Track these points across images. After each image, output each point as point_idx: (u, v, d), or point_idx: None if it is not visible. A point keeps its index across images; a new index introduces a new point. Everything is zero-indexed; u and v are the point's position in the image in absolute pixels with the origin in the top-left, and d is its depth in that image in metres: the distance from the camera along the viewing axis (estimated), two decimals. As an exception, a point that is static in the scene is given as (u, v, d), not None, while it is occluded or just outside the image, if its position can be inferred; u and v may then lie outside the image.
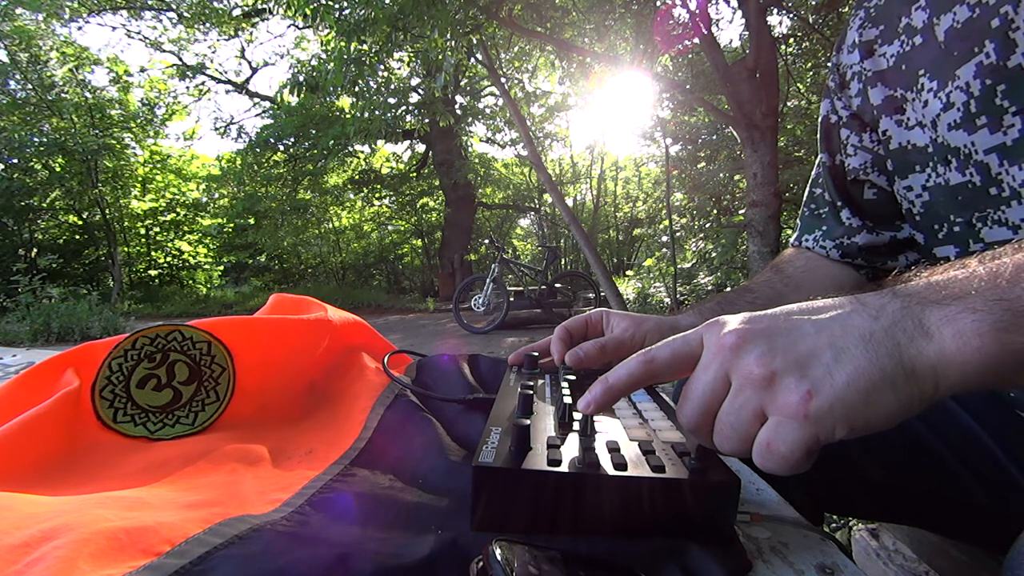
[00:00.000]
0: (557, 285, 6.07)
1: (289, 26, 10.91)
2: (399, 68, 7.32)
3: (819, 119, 0.60)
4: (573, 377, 0.46)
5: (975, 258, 0.28)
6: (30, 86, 9.05)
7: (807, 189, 0.63)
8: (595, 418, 0.36)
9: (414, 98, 8.54)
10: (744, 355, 0.27)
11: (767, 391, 0.27)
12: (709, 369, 0.29)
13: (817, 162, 0.61)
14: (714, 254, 5.98)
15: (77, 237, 10.86)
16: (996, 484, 0.43)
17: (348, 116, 8.05)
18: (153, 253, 11.83)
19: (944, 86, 0.42)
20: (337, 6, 4.00)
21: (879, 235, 0.55)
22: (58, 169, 9.36)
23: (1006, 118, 0.39)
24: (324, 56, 5.32)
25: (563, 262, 10.62)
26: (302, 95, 5.47)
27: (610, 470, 0.28)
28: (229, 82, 11.72)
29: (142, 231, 11.52)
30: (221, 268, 13.06)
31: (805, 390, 0.25)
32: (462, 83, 9.67)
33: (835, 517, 1.12)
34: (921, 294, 0.27)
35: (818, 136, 0.60)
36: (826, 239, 0.58)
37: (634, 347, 0.48)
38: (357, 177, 11.75)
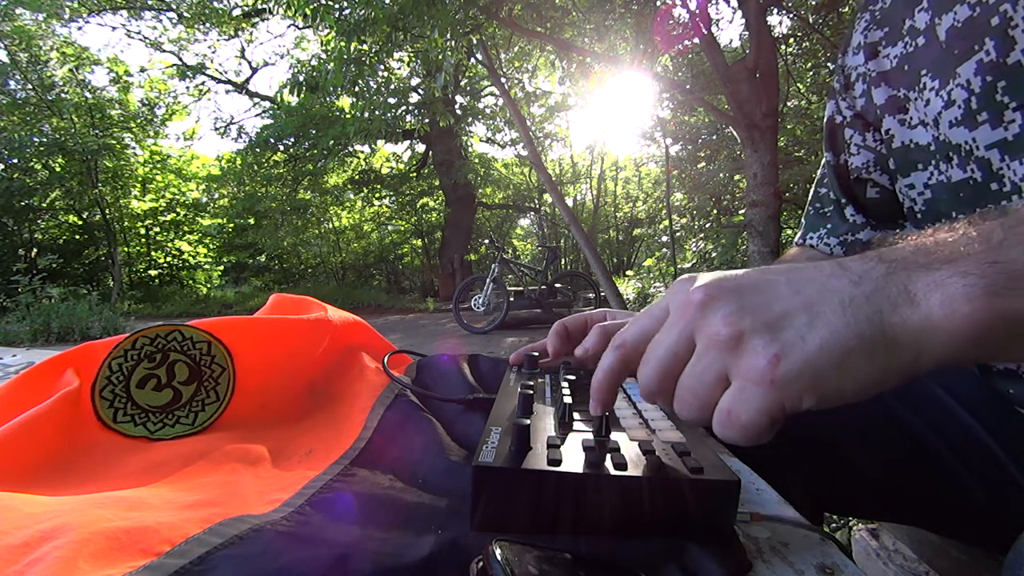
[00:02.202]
0: (557, 285, 6.07)
1: (289, 26, 10.92)
2: (399, 68, 7.32)
3: (824, 120, 0.60)
4: (573, 377, 0.46)
5: (964, 221, 0.26)
6: (30, 86, 9.05)
7: (812, 189, 0.63)
8: (582, 419, 0.36)
9: (414, 98, 8.55)
10: (711, 313, 0.26)
11: (733, 353, 0.25)
12: (673, 328, 0.27)
13: (823, 162, 0.61)
14: (714, 254, 5.98)
15: (77, 237, 10.86)
16: (996, 483, 0.43)
17: (348, 116, 8.05)
18: (153, 253, 11.83)
19: (945, 84, 0.43)
20: (337, 6, 4.00)
21: (882, 232, 0.55)
22: (58, 169, 9.36)
23: (1006, 114, 0.39)
24: (324, 56, 5.33)
25: (563, 262, 10.62)
26: (302, 95, 5.47)
27: (610, 470, 0.28)
28: (229, 82, 11.73)
29: (142, 231, 11.52)
30: (221, 268, 13.06)
31: (773, 353, 0.24)
32: (462, 83, 9.67)
33: (835, 517, 1.12)
34: (908, 259, 0.25)
35: (823, 136, 0.60)
36: (830, 236, 0.59)
37: None
38: (357, 177, 11.75)
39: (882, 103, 0.50)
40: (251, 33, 10.96)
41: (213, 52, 14.04)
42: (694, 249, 6.89)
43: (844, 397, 0.24)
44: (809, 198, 0.64)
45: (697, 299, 0.26)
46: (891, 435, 0.47)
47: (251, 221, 11.32)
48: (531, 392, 0.37)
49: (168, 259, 12.12)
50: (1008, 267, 0.22)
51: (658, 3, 4.47)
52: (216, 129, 11.81)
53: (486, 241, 10.64)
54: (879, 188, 0.55)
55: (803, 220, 0.64)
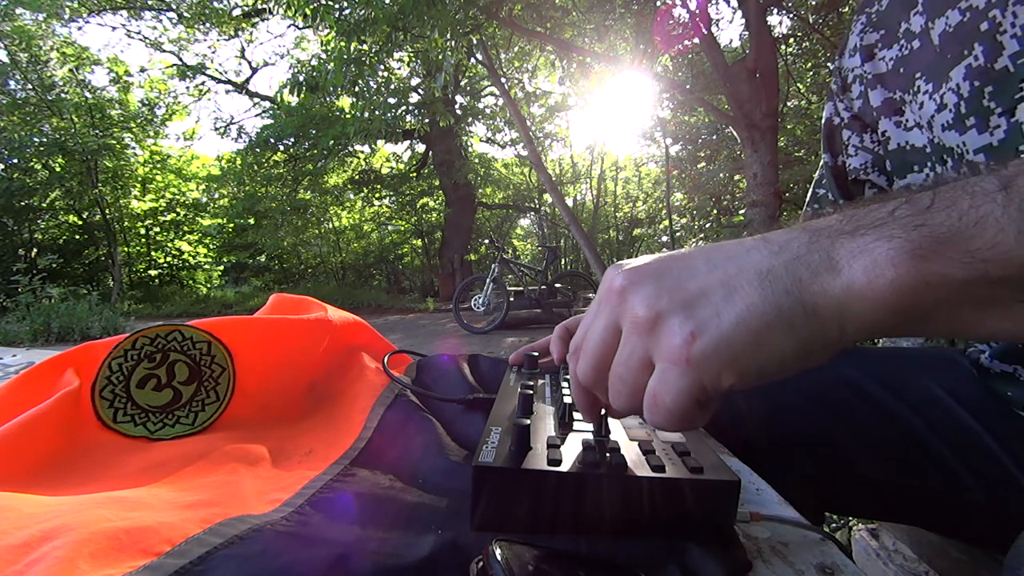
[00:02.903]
0: (557, 285, 6.07)
1: (289, 26, 10.92)
2: (399, 68, 7.32)
3: (822, 121, 0.60)
4: None
5: (899, 191, 0.25)
6: (30, 86, 9.06)
7: (810, 190, 0.63)
8: (582, 419, 0.36)
9: (414, 98, 8.55)
10: (631, 298, 0.25)
11: (652, 335, 0.24)
12: (600, 318, 0.27)
13: (821, 163, 0.61)
14: (714, 254, 5.97)
15: (77, 237, 10.86)
16: (996, 483, 0.43)
17: (348, 116, 8.05)
18: (153, 253, 11.83)
19: (938, 88, 0.43)
20: (337, 6, 4.00)
21: None
22: (58, 169, 9.36)
23: (992, 119, 0.39)
24: (324, 56, 5.33)
25: (563, 262, 10.62)
26: (302, 95, 5.47)
27: (610, 470, 0.28)
28: (229, 82, 11.73)
29: (142, 231, 11.52)
30: (221, 268, 13.06)
31: (689, 331, 0.23)
32: (462, 83, 9.67)
33: (835, 517, 1.12)
34: (833, 226, 0.24)
35: (821, 138, 0.60)
36: None
37: None
38: (357, 177, 11.75)
39: (878, 105, 0.51)
40: (251, 33, 10.96)
41: (213, 52, 14.05)
42: (694, 249, 6.88)
43: (767, 374, 0.23)
44: (807, 199, 0.64)
45: (618, 285, 0.26)
46: (891, 435, 0.47)
47: (251, 221, 11.32)
48: (531, 392, 0.37)
49: (168, 259, 12.12)
50: (934, 230, 0.21)
51: (658, 3, 4.47)
52: (216, 129, 11.82)
53: (486, 241, 10.64)
54: (877, 189, 0.55)
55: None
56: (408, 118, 9.00)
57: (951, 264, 0.20)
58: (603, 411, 0.32)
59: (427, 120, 9.21)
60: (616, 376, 0.26)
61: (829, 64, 5.39)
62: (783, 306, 0.23)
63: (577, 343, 0.30)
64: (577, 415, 0.37)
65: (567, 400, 0.37)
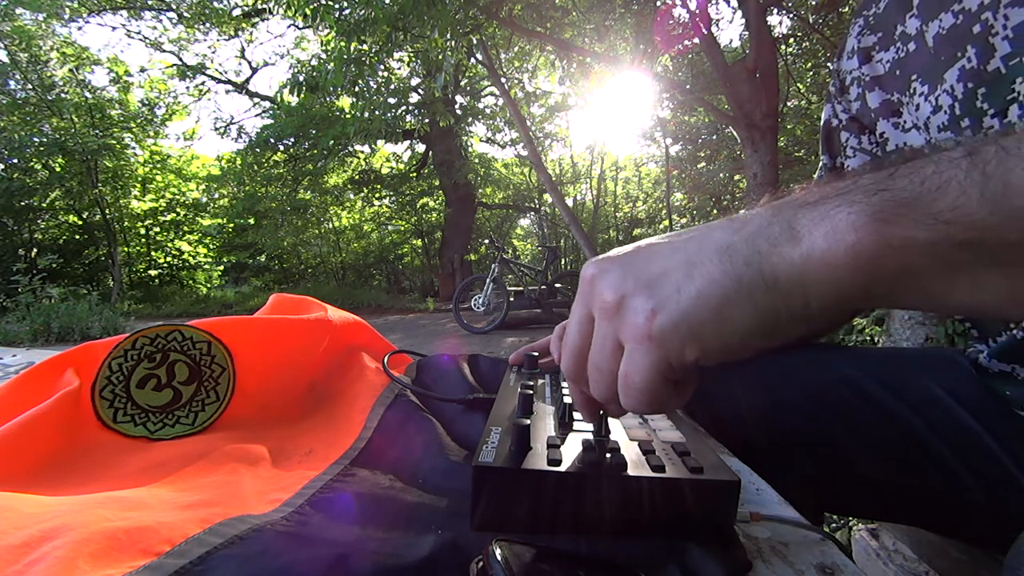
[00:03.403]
0: (557, 285, 6.06)
1: (289, 26, 10.91)
2: (399, 68, 7.32)
3: (821, 123, 0.60)
4: None
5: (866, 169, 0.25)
6: (30, 86, 9.05)
7: None
8: (582, 419, 0.37)
9: (414, 98, 8.54)
10: (599, 285, 0.26)
11: (618, 318, 0.25)
12: (576, 309, 0.28)
13: (819, 165, 0.61)
14: (714, 254, 5.97)
15: (77, 237, 10.85)
16: (996, 483, 0.43)
17: (348, 116, 8.05)
18: (153, 253, 11.82)
19: (933, 90, 0.43)
20: (337, 6, 4.00)
21: None
22: (58, 169, 9.35)
23: (985, 120, 0.39)
24: (324, 56, 5.33)
25: (563, 262, 10.61)
26: (302, 95, 5.47)
27: (610, 470, 0.28)
28: (229, 82, 11.72)
29: (142, 231, 11.52)
30: (221, 268, 13.05)
31: (650, 308, 0.24)
32: (462, 83, 9.66)
33: (835, 517, 1.12)
34: (796, 199, 0.24)
35: (820, 139, 0.60)
36: None
37: None
38: (357, 177, 11.75)
39: (876, 107, 0.51)
40: (251, 33, 10.96)
41: (213, 52, 14.04)
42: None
43: (730, 347, 0.24)
44: None
45: (588, 275, 0.27)
46: (891, 435, 0.47)
47: (251, 221, 11.31)
48: (531, 392, 0.37)
49: (168, 259, 12.11)
50: (896, 194, 0.21)
51: (658, 3, 4.47)
52: (216, 129, 11.81)
53: (486, 241, 10.64)
54: None
55: None
56: (408, 118, 9.00)
57: (913, 226, 0.20)
58: (602, 411, 0.32)
59: (427, 120, 9.20)
60: (593, 366, 0.27)
61: (829, 64, 5.39)
62: (743, 278, 0.23)
63: (570, 346, 0.30)
64: (577, 415, 0.37)
65: (567, 400, 0.37)
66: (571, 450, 0.31)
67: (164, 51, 10.86)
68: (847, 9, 4.48)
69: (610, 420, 0.37)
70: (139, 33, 10.55)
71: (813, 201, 0.23)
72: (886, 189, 0.21)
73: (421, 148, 11.37)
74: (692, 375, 0.25)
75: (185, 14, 9.93)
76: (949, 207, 0.20)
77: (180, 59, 11.07)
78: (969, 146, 0.21)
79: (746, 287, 0.22)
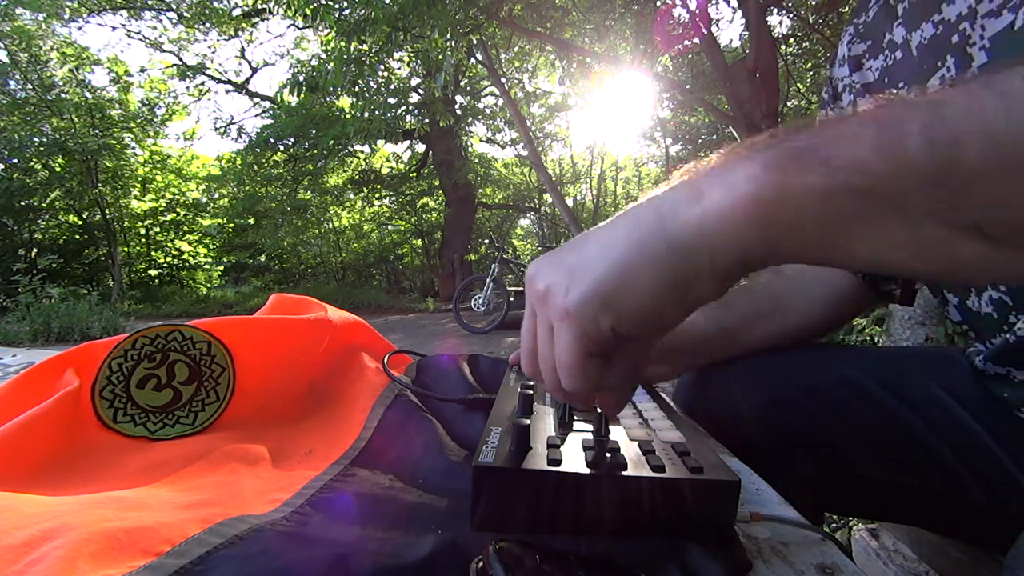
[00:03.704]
0: (557, 285, 6.06)
1: (289, 26, 10.92)
2: (399, 68, 7.32)
3: None
4: None
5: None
6: (30, 86, 9.05)
7: None
8: (581, 419, 0.37)
9: (414, 98, 8.54)
10: (534, 280, 0.27)
11: (546, 305, 0.26)
12: (526, 310, 0.29)
13: None
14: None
15: (77, 237, 10.85)
16: (995, 483, 0.43)
17: (348, 116, 8.04)
18: (153, 253, 11.82)
19: None
20: (337, 6, 4.00)
21: None
22: (58, 169, 9.35)
23: None
24: (324, 56, 5.33)
25: (563, 262, 10.59)
26: (302, 95, 5.47)
27: (610, 470, 0.28)
28: (229, 82, 11.72)
29: (142, 231, 11.51)
30: (221, 268, 13.05)
31: (565, 287, 0.25)
32: (462, 83, 9.66)
33: (835, 517, 1.12)
34: (707, 165, 0.24)
35: None
36: None
37: None
38: (357, 177, 11.75)
39: None
40: (251, 33, 10.96)
41: (213, 52, 14.04)
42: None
43: (644, 313, 0.24)
44: None
45: (528, 274, 0.28)
46: (891, 435, 0.47)
47: (251, 221, 11.31)
48: (531, 392, 0.37)
49: (168, 259, 12.11)
50: (793, 144, 0.21)
51: (658, 3, 4.47)
52: (216, 129, 11.81)
53: (486, 241, 10.64)
54: None
55: None
56: (408, 118, 9.00)
57: (808, 174, 0.21)
58: (599, 409, 0.32)
59: (427, 120, 9.20)
60: (542, 358, 0.28)
61: (828, 66, 5.39)
62: (645, 243, 0.24)
63: (526, 346, 0.31)
64: (577, 415, 0.37)
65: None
66: (571, 450, 0.31)
67: (164, 51, 10.86)
68: (847, 9, 4.48)
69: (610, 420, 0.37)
70: (139, 33, 10.56)
71: (721, 163, 0.24)
72: (785, 142, 0.22)
73: (421, 148, 11.37)
74: (619, 347, 0.26)
75: (185, 14, 9.93)
76: (844, 155, 0.20)
77: (180, 59, 11.08)
78: (878, 100, 0.21)
79: (649, 251, 0.23)
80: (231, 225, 12.01)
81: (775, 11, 4.56)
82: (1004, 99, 0.18)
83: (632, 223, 0.25)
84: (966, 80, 0.20)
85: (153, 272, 11.85)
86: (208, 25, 10.16)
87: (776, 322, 0.55)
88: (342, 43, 4.16)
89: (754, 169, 0.21)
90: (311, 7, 3.92)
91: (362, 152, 11.21)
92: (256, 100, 11.75)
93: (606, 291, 0.24)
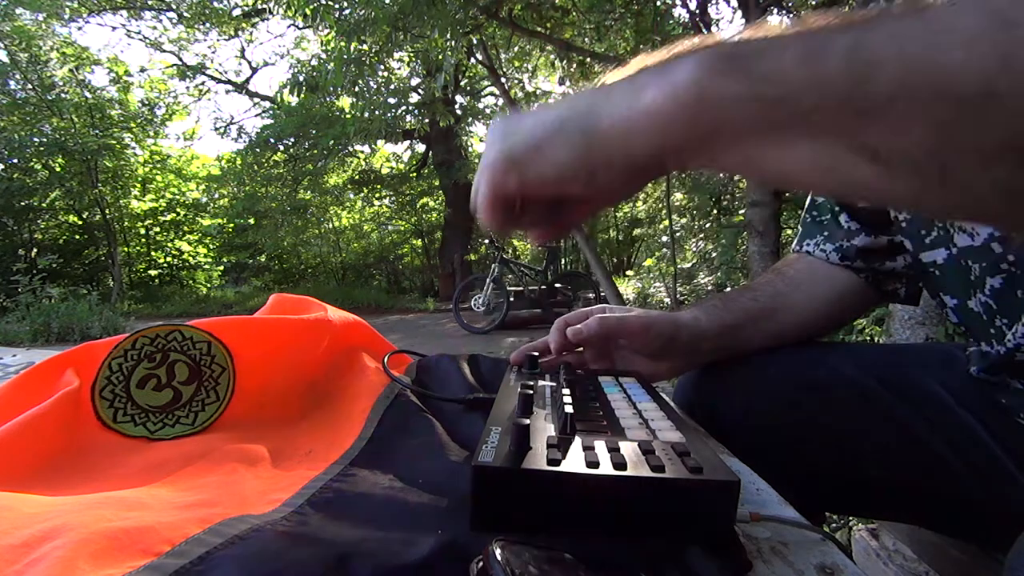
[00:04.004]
0: (557, 285, 6.06)
1: (289, 26, 10.89)
2: (399, 68, 7.32)
3: None
4: (573, 378, 0.46)
5: None
6: (30, 86, 9.04)
7: (808, 197, 0.63)
8: (581, 419, 0.37)
9: (414, 98, 8.53)
10: (487, 133, 0.32)
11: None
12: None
13: None
14: (714, 254, 5.98)
15: (77, 237, 10.84)
16: (995, 482, 0.43)
17: (348, 116, 8.04)
18: (153, 253, 11.81)
19: None
20: (337, 6, 4.00)
21: (876, 238, 0.55)
22: (58, 169, 9.34)
23: None
24: (324, 56, 5.32)
25: (563, 262, 10.61)
26: (302, 95, 5.47)
27: (610, 470, 0.28)
28: (229, 82, 11.72)
29: (142, 231, 11.50)
30: (221, 268, 13.04)
31: (495, 145, 0.29)
32: (462, 83, 9.66)
33: (835, 517, 1.12)
34: (655, 58, 0.26)
35: None
36: (826, 243, 0.59)
37: (633, 327, 0.49)
38: (357, 177, 11.74)
39: None
40: (251, 33, 10.95)
41: (213, 52, 14.06)
42: (694, 249, 6.88)
43: (546, 180, 0.27)
44: (806, 206, 0.64)
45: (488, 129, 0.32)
46: (891, 433, 0.47)
47: (251, 221, 11.30)
48: (531, 392, 0.37)
49: (168, 259, 12.10)
50: (722, 51, 0.22)
51: (658, 3, 4.46)
52: (216, 129, 11.81)
53: (486, 241, 10.63)
54: None
55: (800, 227, 0.64)
56: (408, 118, 8.99)
57: (729, 79, 0.22)
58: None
59: (427, 120, 9.20)
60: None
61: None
62: (565, 121, 0.26)
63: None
64: (578, 416, 0.37)
65: (567, 401, 0.37)
66: (571, 450, 0.31)
67: (164, 51, 10.85)
68: (847, 9, 4.48)
69: (608, 420, 0.37)
70: (139, 33, 10.54)
71: (661, 62, 0.25)
72: (719, 46, 0.23)
73: (421, 148, 11.36)
74: (528, 206, 0.30)
75: (185, 14, 9.91)
76: (764, 65, 0.21)
77: (180, 59, 11.07)
78: (816, 18, 0.22)
79: (567, 128, 0.26)
80: (231, 225, 12.00)
81: (775, 11, 4.56)
82: (928, 29, 0.19)
83: (569, 104, 0.27)
84: (909, 4, 0.20)
85: (153, 272, 11.84)
86: (208, 25, 10.15)
87: (778, 321, 0.55)
88: (342, 43, 4.16)
89: (684, 72, 0.22)
90: (311, 7, 3.91)
91: (362, 152, 11.20)
92: (256, 100, 11.75)
93: (519, 153, 0.27)
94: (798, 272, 0.59)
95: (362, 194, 12.09)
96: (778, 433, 0.50)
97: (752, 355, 0.54)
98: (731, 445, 0.46)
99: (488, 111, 10.50)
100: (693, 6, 3.49)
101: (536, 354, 0.51)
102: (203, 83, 11.37)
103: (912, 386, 0.48)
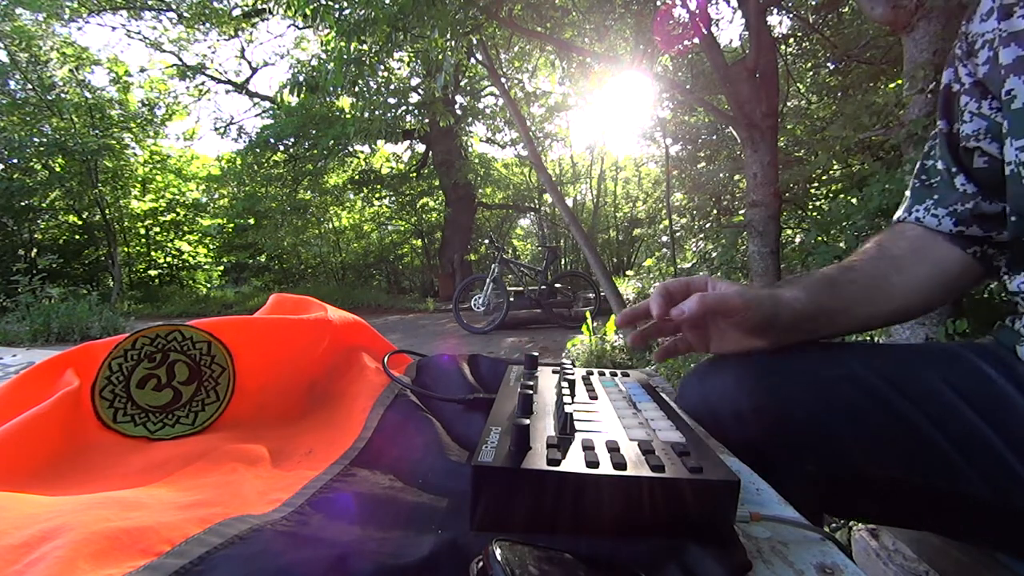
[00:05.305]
0: (557, 285, 6.06)
1: (289, 26, 10.91)
2: (399, 68, 7.33)
3: (940, 87, 0.59)
4: (573, 378, 0.46)
5: None
6: (30, 86, 9.04)
7: (917, 164, 0.62)
8: (581, 419, 0.37)
9: (414, 98, 8.55)
10: None
11: None
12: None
13: (932, 134, 0.60)
14: (714, 254, 5.97)
15: (77, 237, 10.85)
16: (1000, 479, 0.43)
17: (348, 116, 8.05)
18: (153, 253, 11.82)
19: None
20: (337, 6, 4.00)
21: (992, 204, 0.53)
22: (58, 169, 9.34)
23: None
24: (324, 56, 5.32)
25: (563, 262, 10.61)
26: (302, 95, 5.46)
27: (610, 470, 0.28)
28: (229, 82, 11.71)
29: (142, 231, 11.51)
30: (221, 268, 13.05)
31: None
32: (462, 83, 9.66)
33: (835, 517, 1.12)
34: None
35: (938, 105, 0.59)
36: (938, 207, 0.57)
37: (734, 305, 0.48)
38: (357, 177, 11.74)
39: (1009, 63, 0.49)
40: (251, 33, 10.94)
41: (213, 52, 14.07)
42: (694, 249, 6.88)
43: None
44: (914, 171, 0.62)
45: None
46: (895, 432, 0.47)
47: (251, 221, 11.31)
48: (531, 392, 0.37)
49: (168, 259, 12.11)
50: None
51: (658, 3, 4.46)
52: (216, 129, 11.82)
53: (486, 241, 10.62)
54: (988, 157, 0.53)
55: (907, 193, 0.62)
56: (408, 118, 9.00)
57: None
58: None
59: (427, 120, 9.20)
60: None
61: (829, 64, 5.38)
62: None
63: None
64: (578, 416, 0.37)
65: (567, 401, 0.37)
66: (571, 450, 0.31)
67: (164, 51, 10.85)
68: (847, 9, 4.48)
69: (608, 420, 0.37)
70: (139, 33, 10.54)
71: None
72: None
73: (421, 148, 11.37)
74: None
75: (185, 14, 9.92)
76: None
77: (180, 59, 11.07)
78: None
79: None
80: (231, 225, 12.01)
81: (775, 11, 4.56)
82: None
83: None
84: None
85: (153, 272, 11.85)
86: (208, 25, 10.15)
87: (878, 306, 0.54)
88: (342, 43, 4.16)
89: None
90: (311, 7, 3.91)
91: (362, 152, 11.21)
92: (256, 100, 11.75)
93: None
94: (902, 250, 0.57)
95: (362, 194, 12.09)
96: (780, 432, 0.50)
97: (753, 354, 0.54)
98: (732, 445, 0.46)
99: (488, 111, 10.50)
100: (693, 6, 3.49)
101: (536, 354, 0.52)
102: (203, 83, 11.38)
103: (917, 384, 0.48)
